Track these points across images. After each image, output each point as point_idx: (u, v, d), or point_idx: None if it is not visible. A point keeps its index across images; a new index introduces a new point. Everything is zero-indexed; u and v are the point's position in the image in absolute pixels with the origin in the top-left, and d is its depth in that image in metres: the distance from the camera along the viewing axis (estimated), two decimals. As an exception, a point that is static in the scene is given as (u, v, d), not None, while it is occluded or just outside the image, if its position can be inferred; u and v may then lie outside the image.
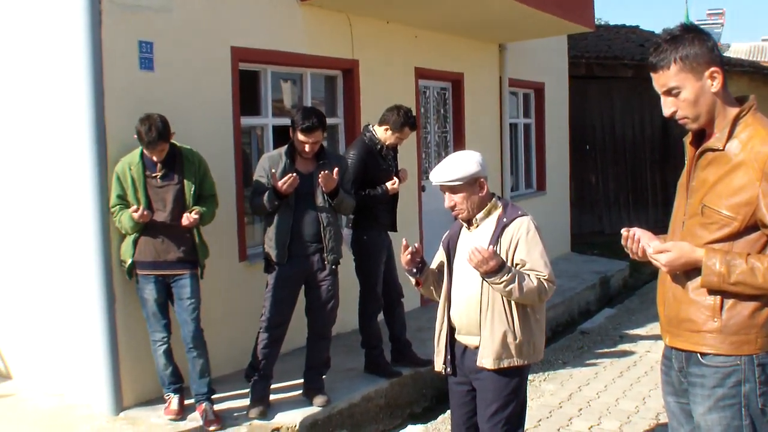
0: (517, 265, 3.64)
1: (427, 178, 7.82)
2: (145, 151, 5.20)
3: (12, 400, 5.81)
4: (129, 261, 5.35)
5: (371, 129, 6.30)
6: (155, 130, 5.06)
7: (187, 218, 5.26)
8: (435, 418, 5.94)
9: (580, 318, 9.65)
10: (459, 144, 9.56)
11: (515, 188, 11.60)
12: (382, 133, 6.24)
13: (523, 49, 11.07)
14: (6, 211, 6.09)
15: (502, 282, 3.54)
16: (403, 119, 6.18)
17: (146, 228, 5.29)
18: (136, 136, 5.08)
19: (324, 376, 5.83)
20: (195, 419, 5.38)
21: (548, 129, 12.33)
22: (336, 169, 5.42)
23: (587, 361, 7.23)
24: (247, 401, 5.58)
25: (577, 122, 13.91)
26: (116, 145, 5.42)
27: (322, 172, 5.37)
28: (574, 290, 10.06)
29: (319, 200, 5.53)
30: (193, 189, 5.35)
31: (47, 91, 5.70)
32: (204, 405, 5.43)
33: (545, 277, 3.63)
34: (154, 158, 5.21)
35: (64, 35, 5.48)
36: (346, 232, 6.27)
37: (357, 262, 6.31)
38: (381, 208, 6.25)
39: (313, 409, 5.59)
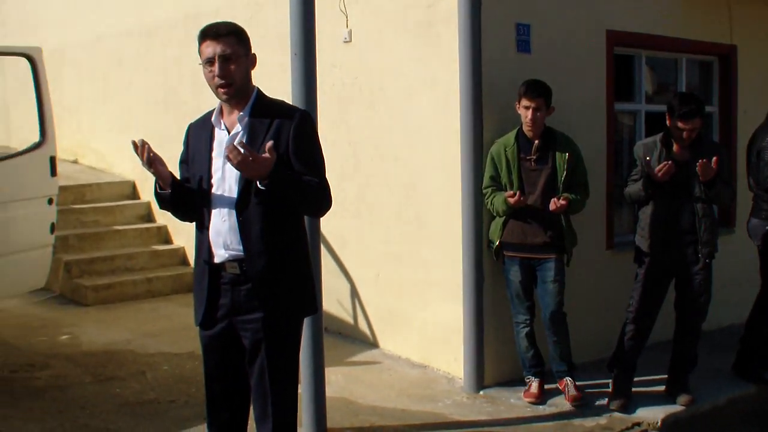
0: None
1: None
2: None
3: (378, 367, 6.56)
4: (497, 242, 5.83)
5: None
6: None
7: (555, 203, 5.59)
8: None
9: None
10: None
11: None
12: None
13: None
14: (381, 186, 6.99)
15: None
16: None
17: (516, 211, 5.70)
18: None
19: (689, 374, 5.93)
20: (554, 405, 5.72)
21: None
22: (714, 158, 5.45)
23: None
24: (606, 392, 5.84)
25: None
26: (491, 126, 5.93)
27: (699, 161, 5.45)
28: None
29: (696, 190, 5.60)
30: (564, 175, 5.67)
31: (422, 73, 6.39)
32: (565, 380, 5.83)
33: None
34: None
35: (441, 16, 6.11)
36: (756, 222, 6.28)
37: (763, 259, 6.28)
38: None
39: (675, 408, 5.71)
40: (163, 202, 3.65)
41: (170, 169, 3.61)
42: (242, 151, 3.23)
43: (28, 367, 6.35)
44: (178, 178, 3.71)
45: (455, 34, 5.84)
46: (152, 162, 3.47)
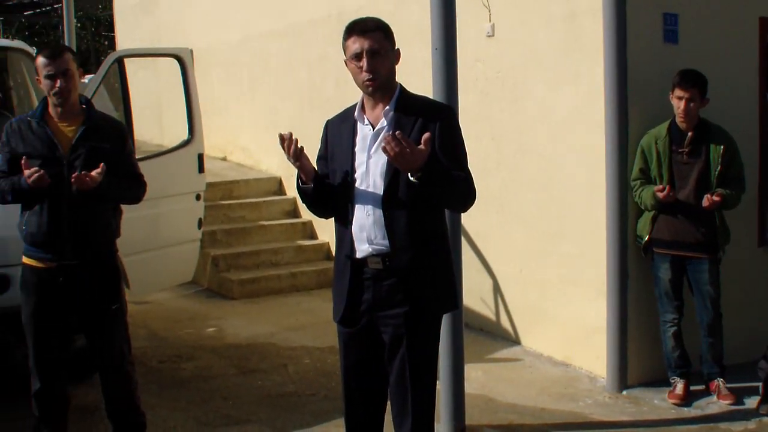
0: None
1: None
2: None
3: (519, 364, 6.52)
4: (645, 237, 5.72)
5: None
6: None
7: (708, 200, 5.44)
8: None
9: None
10: None
11: None
12: None
13: None
14: (523, 182, 6.96)
15: None
16: None
17: (666, 206, 5.57)
18: None
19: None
20: (699, 407, 5.56)
21: None
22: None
23: None
24: (756, 395, 5.60)
25: None
26: (636, 120, 5.82)
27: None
28: None
29: None
30: (718, 169, 5.51)
31: (566, 66, 6.34)
32: (716, 381, 5.67)
33: None
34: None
35: (585, 7, 6.04)
36: None
37: None
38: None
39: (833, 415, 5.44)
40: (305, 196, 3.74)
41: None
42: (400, 142, 3.25)
43: (175, 358, 6.63)
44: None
45: (600, 25, 5.74)
46: (298, 155, 3.55)
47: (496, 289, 7.25)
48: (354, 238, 3.61)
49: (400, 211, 3.52)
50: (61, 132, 4.44)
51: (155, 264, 6.98)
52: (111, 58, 6.73)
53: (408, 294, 3.55)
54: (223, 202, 10.14)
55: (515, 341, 7.09)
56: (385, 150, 3.28)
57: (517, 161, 6.90)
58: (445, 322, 4.81)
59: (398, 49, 3.65)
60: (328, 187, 3.70)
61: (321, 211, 3.83)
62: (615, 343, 5.90)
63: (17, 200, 4.43)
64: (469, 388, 5.39)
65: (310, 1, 10.03)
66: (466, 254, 7.23)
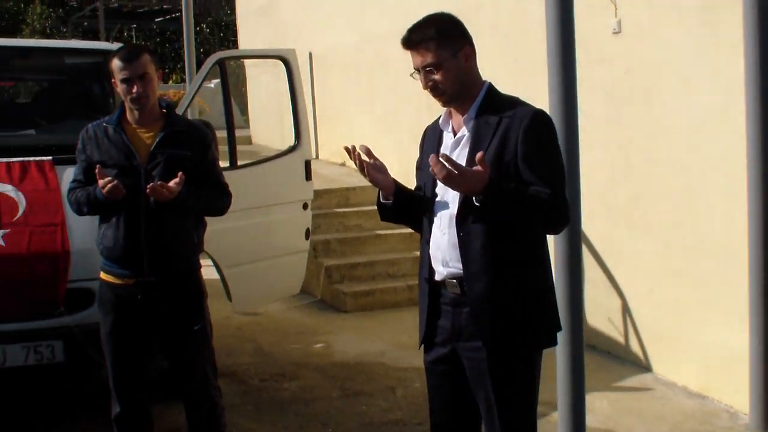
0: None
1: None
2: None
3: (650, 395, 5.98)
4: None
5: None
6: None
7: None
8: None
9: None
10: None
11: None
12: None
13: None
14: (656, 193, 6.40)
15: None
16: None
17: None
18: None
19: None
20: None
21: None
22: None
23: None
24: None
25: None
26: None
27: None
28: None
29: None
30: None
31: (702, 65, 5.81)
32: None
33: None
34: None
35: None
36: None
37: None
38: None
39: None
40: (384, 212, 3.39)
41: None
42: (445, 165, 2.89)
43: (278, 376, 6.37)
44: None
45: (739, 16, 5.19)
46: (367, 169, 3.22)
47: (625, 310, 6.72)
48: (431, 259, 3.26)
49: (475, 232, 3.12)
50: (139, 139, 4.21)
51: (259, 276, 6.77)
52: (211, 59, 6.53)
53: (484, 326, 3.15)
54: (339, 209, 9.90)
55: (645, 367, 6.54)
56: (433, 172, 2.93)
57: (648, 170, 6.37)
58: (564, 344, 4.40)
59: (468, 47, 3.23)
60: (417, 202, 3.35)
61: (413, 228, 3.47)
62: (759, 374, 5.32)
63: (93, 212, 4.23)
64: (592, 420, 4.99)
65: (430, 0, 9.68)
66: (592, 271, 6.79)
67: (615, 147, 6.57)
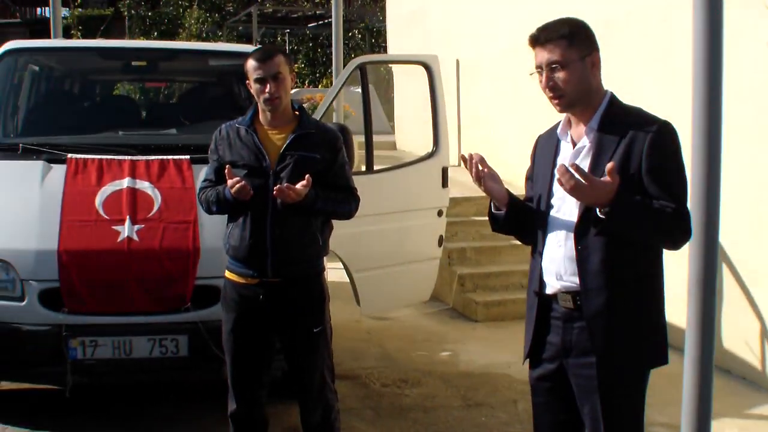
0: None
1: None
2: None
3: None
4: None
5: None
6: None
7: None
8: None
9: None
10: None
11: None
12: None
13: None
14: None
15: None
16: None
17: None
18: None
19: None
20: None
21: None
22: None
23: None
24: None
25: None
26: None
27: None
28: None
29: None
30: None
31: None
32: None
33: None
34: None
35: None
36: None
37: None
38: None
39: None
40: (497, 224, 3.31)
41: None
42: (574, 175, 2.79)
43: (401, 382, 6.32)
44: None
45: None
46: (482, 178, 3.14)
47: (764, 334, 6.37)
48: (543, 271, 3.17)
49: (595, 245, 3.02)
50: (270, 140, 4.24)
51: (390, 281, 6.76)
52: (352, 64, 6.55)
53: (600, 342, 3.04)
54: (477, 218, 9.76)
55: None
56: (559, 182, 2.84)
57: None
58: (692, 366, 4.16)
59: (596, 54, 3.14)
60: (528, 213, 3.25)
61: (523, 240, 3.37)
62: None
63: (222, 211, 4.30)
64: (718, 447, 4.68)
65: (576, 7, 9.45)
66: (732, 291, 6.46)
67: (764, 161, 6.24)
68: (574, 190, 2.84)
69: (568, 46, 3.07)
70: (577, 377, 3.12)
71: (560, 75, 3.06)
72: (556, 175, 2.91)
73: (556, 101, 3.10)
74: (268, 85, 4.13)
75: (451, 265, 8.94)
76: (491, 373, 6.62)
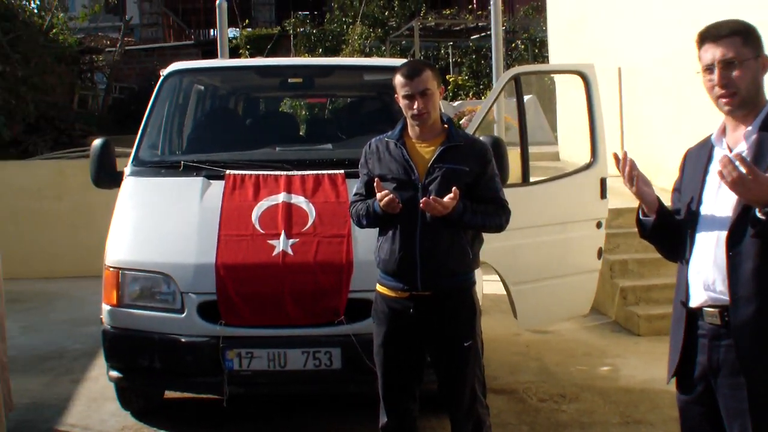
0: None
1: None
2: None
3: None
4: None
5: None
6: None
7: None
8: None
9: None
10: None
11: None
12: None
13: None
14: None
15: None
16: None
17: None
18: None
19: None
20: None
21: None
22: None
23: None
24: None
25: None
26: None
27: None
28: None
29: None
30: None
31: None
32: None
33: None
34: None
35: None
36: None
37: None
38: None
39: None
40: (644, 231, 3.16)
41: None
42: (740, 167, 2.63)
43: (558, 397, 6.16)
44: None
45: None
46: (634, 180, 3.01)
47: None
48: (689, 281, 2.99)
49: (747, 252, 2.83)
50: (418, 153, 4.21)
51: (548, 294, 6.63)
52: (507, 75, 6.47)
53: (752, 358, 2.84)
54: (639, 229, 9.45)
55: None
56: (720, 175, 2.67)
57: None
58: None
59: (764, 55, 2.99)
60: (674, 223, 3.10)
61: (668, 252, 3.22)
62: None
63: (372, 224, 4.30)
64: None
65: (745, 8, 9.04)
66: None
67: None
68: (736, 183, 2.67)
69: (743, 44, 2.95)
70: (726, 398, 2.94)
71: (735, 73, 2.92)
72: (711, 172, 2.83)
73: (727, 99, 2.95)
74: (416, 102, 4.11)
75: (613, 278, 8.67)
76: (652, 389, 6.35)
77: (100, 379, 6.61)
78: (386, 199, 4.01)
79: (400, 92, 4.17)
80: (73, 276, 10.57)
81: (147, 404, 5.85)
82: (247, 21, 23.90)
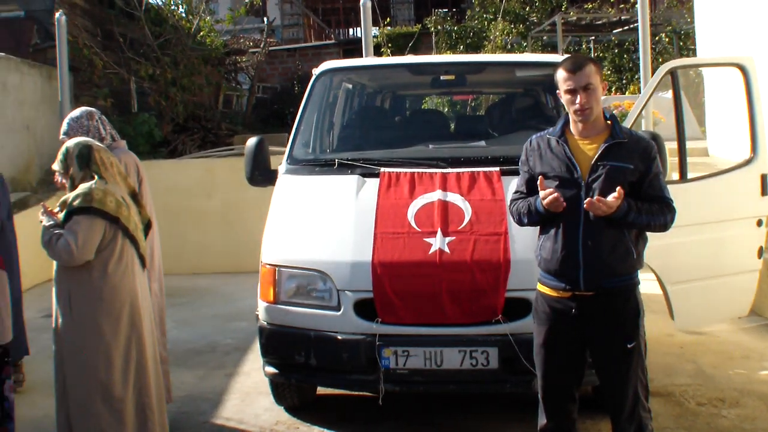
0: None
1: None
2: None
3: None
4: None
5: None
6: None
7: None
8: None
9: None
10: None
11: None
12: None
13: None
14: None
15: None
16: None
17: None
18: None
19: None
20: None
21: None
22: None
23: None
24: None
25: None
26: None
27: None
28: None
29: None
30: None
31: None
32: None
33: None
34: None
35: None
36: None
37: None
38: None
39: None
40: None
41: None
42: None
43: (717, 401, 5.93)
44: None
45: None
46: None
47: None
48: None
49: None
50: (581, 150, 4.13)
51: (704, 295, 6.41)
52: (662, 69, 6.26)
53: None
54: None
55: None
56: None
57: None
58: None
59: None
60: None
61: None
62: None
63: (533, 223, 4.25)
64: None
65: None
66: None
67: None
68: None
69: None
70: None
71: None
72: None
73: None
74: (578, 96, 4.04)
75: (773, 278, 8.31)
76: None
77: (252, 374, 6.76)
78: (550, 197, 3.95)
79: (562, 87, 4.10)
80: (222, 272, 10.86)
81: (300, 400, 5.92)
82: (388, 19, 23.96)
